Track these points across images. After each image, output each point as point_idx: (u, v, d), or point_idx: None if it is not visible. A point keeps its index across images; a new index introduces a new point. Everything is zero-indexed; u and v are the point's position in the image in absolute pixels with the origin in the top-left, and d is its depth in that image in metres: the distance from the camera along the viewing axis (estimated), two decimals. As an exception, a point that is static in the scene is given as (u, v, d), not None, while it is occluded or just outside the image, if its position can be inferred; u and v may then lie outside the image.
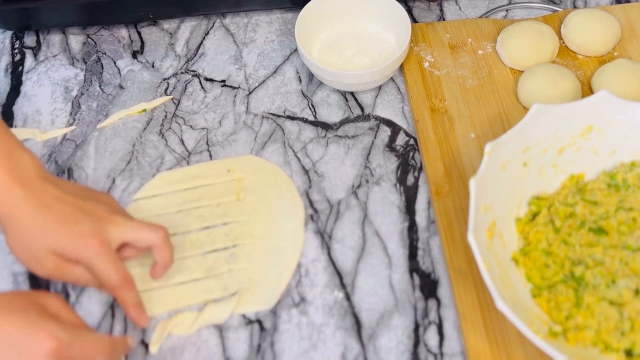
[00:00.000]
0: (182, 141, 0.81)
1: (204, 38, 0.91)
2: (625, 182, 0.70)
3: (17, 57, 0.90)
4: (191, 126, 0.82)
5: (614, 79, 0.78)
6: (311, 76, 0.86)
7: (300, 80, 0.86)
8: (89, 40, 0.91)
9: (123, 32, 0.92)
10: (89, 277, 0.64)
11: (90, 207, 0.64)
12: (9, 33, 0.92)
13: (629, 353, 0.61)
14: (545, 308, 0.64)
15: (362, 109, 0.83)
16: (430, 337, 0.66)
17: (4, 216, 0.63)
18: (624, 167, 0.71)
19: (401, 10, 0.84)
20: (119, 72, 0.88)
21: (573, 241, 0.67)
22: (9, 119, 0.83)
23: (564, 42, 0.86)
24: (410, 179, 0.77)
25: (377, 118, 0.82)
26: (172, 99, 0.85)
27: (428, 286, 0.69)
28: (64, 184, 0.67)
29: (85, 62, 0.89)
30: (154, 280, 0.68)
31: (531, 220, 0.69)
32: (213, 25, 0.92)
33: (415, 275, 0.70)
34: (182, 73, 0.87)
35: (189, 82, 0.86)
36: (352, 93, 0.84)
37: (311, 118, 0.82)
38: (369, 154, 0.79)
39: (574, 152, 0.71)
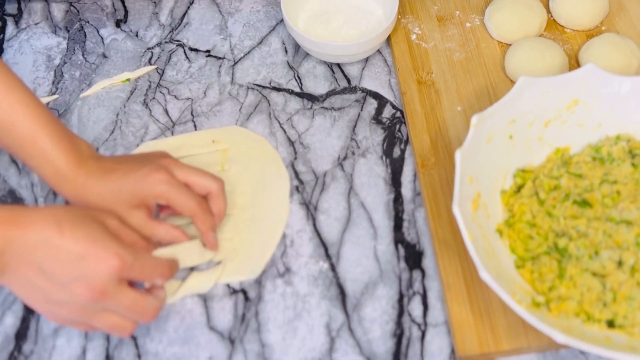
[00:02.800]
0: (166, 111, 0.80)
1: (188, 7, 0.89)
2: (610, 156, 0.70)
3: (-2, 25, 0.88)
4: (175, 96, 0.81)
5: (601, 53, 0.78)
6: (297, 47, 0.85)
7: (286, 51, 0.85)
8: (72, 8, 0.89)
9: (106, 1, 0.90)
10: (176, 232, 0.65)
11: (150, 157, 0.67)
12: (-10, 0, 0.90)
13: (610, 324, 0.61)
14: (529, 279, 0.64)
15: (348, 81, 0.82)
16: (415, 307, 0.66)
17: (75, 197, 0.64)
18: (609, 140, 0.71)
19: (389, -19, 0.83)
20: (102, 41, 0.86)
21: (557, 213, 0.67)
22: (-11, 87, 0.82)
23: (552, 16, 0.86)
24: (396, 151, 0.76)
25: (363, 90, 0.82)
26: (156, 68, 0.84)
27: (413, 257, 0.69)
28: (117, 156, 0.69)
29: (68, 31, 0.87)
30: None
31: (516, 192, 0.69)
32: (198, -5, 0.91)
33: (400, 246, 0.70)
34: (166, 43, 0.86)
35: (174, 51, 0.85)
36: (338, 65, 0.84)
37: (297, 89, 0.82)
38: (355, 126, 0.79)
39: (560, 125, 0.71)
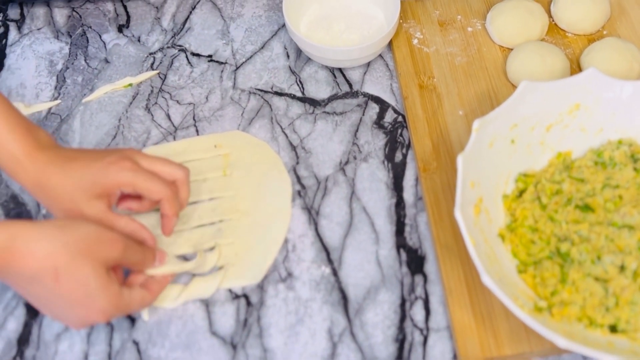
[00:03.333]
0: (168, 116, 0.80)
1: (190, 12, 0.90)
2: (612, 160, 0.70)
3: (1, 30, 0.88)
4: (178, 101, 0.81)
5: (603, 57, 0.78)
6: (299, 52, 0.85)
7: (288, 56, 0.85)
8: (74, 13, 0.90)
9: (108, 6, 0.90)
10: (135, 225, 0.64)
11: (112, 149, 0.67)
12: (-8, 5, 0.91)
13: (613, 328, 0.61)
14: (531, 284, 0.64)
15: (350, 85, 0.82)
16: (417, 312, 0.66)
17: (34, 185, 0.63)
18: (611, 144, 0.71)
19: (390, -14, 0.83)
20: (105, 46, 0.87)
21: (559, 218, 0.67)
22: (-8, 92, 0.82)
23: (553, 20, 0.86)
24: (398, 156, 0.77)
25: (365, 95, 0.82)
26: (158, 73, 0.84)
27: (415, 262, 0.69)
28: (77, 148, 0.69)
29: (70, 36, 0.88)
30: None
31: (518, 197, 0.69)
32: (200, 0, 0.91)
33: (402, 251, 0.70)
34: (168, 48, 0.86)
35: (176, 56, 0.85)
36: (340, 69, 0.84)
37: (299, 94, 0.82)
38: (357, 130, 0.79)
39: (562, 130, 0.71)
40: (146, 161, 0.65)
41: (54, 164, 0.63)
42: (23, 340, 0.65)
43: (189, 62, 0.85)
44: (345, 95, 0.82)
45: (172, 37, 0.87)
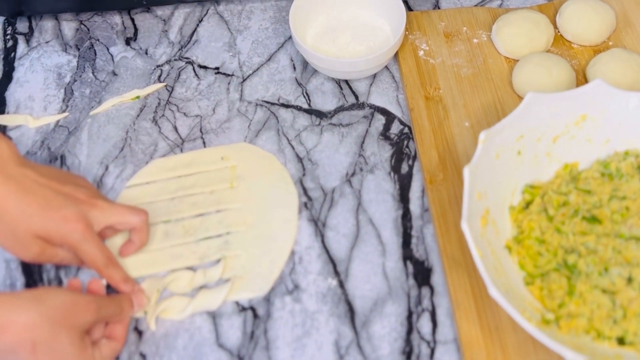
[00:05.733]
0: (175, 128, 0.81)
1: (197, 25, 0.90)
2: (619, 171, 0.70)
3: (10, 43, 0.89)
4: (185, 113, 0.82)
5: (609, 69, 0.78)
6: (305, 64, 0.86)
7: (294, 68, 0.86)
8: (82, 26, 0.90)
9: (116, 19, 0.91)
10: (72, 257, 0.66)
11: (71, 191, 0.65)
12: (1, 19, 0.91)
13: (621, 341, 0.61)
14: (538, 296, 0.64)
15: (356, 97, 0.83)
16: (424, 324, 0.66)
17: None
18: (618, 155, 0.71)
19: (396, -2, 0.84)
20: (112, 59, 0.87)
21: (566, 230, 0.67)
22: (1, 105, 0.83)
23: (559, 31, 0.86)
24: (404, 167, 0.77)
25: (371, 106, 0.82)
26: (165, 86, 0.84)
27: (421, 274, 0.69)
28: (41, 168, 0.67)
29: (78, 49, 0.88)
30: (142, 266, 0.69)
31: (525, 208, 0.69)
32: (207, 12, 0.91)
33: (408, 263, 0.70)
34: (175, 60, 0.87)
35: (183, 69, 0.86)
36: (346, 81, 0.84)
37: (305, 106, 0.82)
38: (363, 142, 0.79)
39: (568, 141, 0.71)
40: (102, 216, 0.65)
41: (8, 188, 0.62)
42: None
43: (196, 75, 0.85)
44: (351, 107, 0.82)
45: (180, 49, 0.88)
